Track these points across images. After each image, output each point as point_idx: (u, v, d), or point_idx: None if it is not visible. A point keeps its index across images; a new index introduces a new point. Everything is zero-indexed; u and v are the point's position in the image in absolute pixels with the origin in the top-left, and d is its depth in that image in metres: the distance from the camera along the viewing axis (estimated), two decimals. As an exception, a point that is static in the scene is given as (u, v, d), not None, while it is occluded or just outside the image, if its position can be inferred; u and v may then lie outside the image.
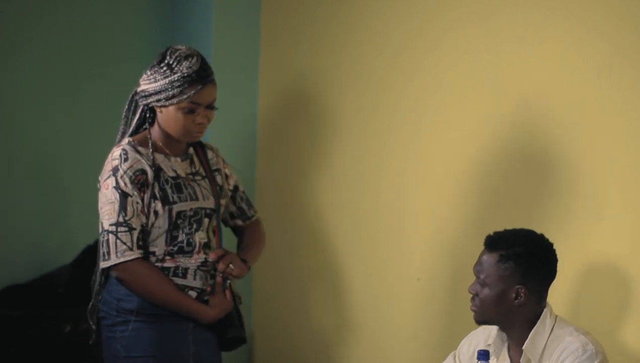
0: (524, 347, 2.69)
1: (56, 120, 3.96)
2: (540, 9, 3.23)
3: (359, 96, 3.82)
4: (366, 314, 3.83)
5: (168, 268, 3.09)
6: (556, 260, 2.74)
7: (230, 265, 3.16)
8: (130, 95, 3.16)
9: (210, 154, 3.27)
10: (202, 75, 3.06)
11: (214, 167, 3.27)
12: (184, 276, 3.11)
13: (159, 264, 3.08)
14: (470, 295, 2.75)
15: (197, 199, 3.14)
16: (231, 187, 3.31)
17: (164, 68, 3.05)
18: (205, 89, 3.07)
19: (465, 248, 3.44)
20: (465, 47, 3.45)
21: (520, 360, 2.71)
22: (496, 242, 2.71)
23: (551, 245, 2.74)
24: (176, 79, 3.03)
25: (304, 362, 4.06)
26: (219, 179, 3.26)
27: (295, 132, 4.08)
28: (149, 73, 3.08)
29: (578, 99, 3.15)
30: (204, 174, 3.22)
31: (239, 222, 3.36)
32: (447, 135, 3.53)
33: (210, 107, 3.11)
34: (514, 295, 2.68)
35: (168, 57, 3.06)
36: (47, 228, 3.94)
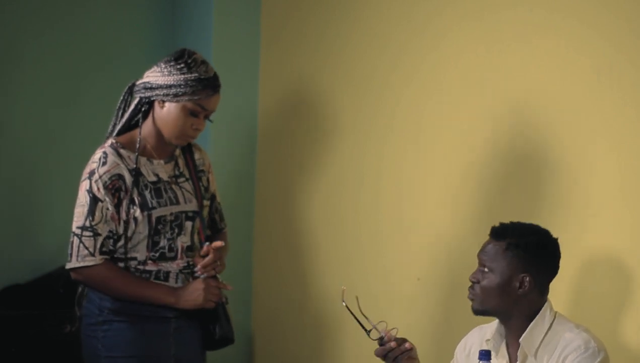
0: (520, 340, 2.69)
1: (56, 119, 3.95)
2: (540, 9, 3.24)
3: (359, 96, 3.82)
4: (366, 314, 3.83)
5: (150, 272, 3.09)
6: (560, 256, 2.75)
7: (218, 262, 3.13)
8: (127, 87, 3.14)
9: (197, 155, 3.25)
10: (216, 83, 3.09)
11: (200, 168, 3.24)
12: (166, 279, 3.10)
13: (140, 267, 3.08)
14: (470, 284, 2.74)
15: (177, 203, 3.13)
16: (209, 195, 3.28)
17: (182, 65, 3.05)
18: (215, 96, 3.09)
19: (465, 248, 3.44)
20: (465, 47, 3.45)
21: (517, 353, 2.71)
22: (504, 231, 2.72)
23: (557, 240, 2.75)
24: (193, 78, 3.03)
25: (304, 361, 4.06)
26: (203, 179, 3.24)
27: (296, 132, 4.08)
28: (162, 66, 3.06)
29: (578, 98, 3.15)
30: (187, 175, 3.20)
31: (208, 232, 3.30)
32: (447, 135, 3.53)
33: (208, 116, 3.12)
34: (518, 284, 2.68)
35: (186, 56, 3.06)
36: (47, 228, 3.93)
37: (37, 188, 3.93)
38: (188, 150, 3.23)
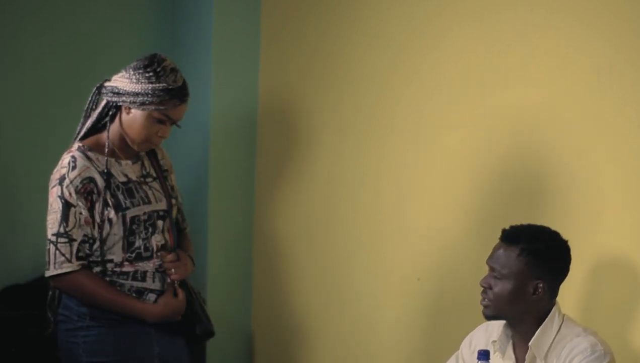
0: (530, 343, 2.69)
1: (56, 119, 3.95)
2: (540, 9, 3.24)
3: (359, 96, 3.82)
4: (366, 314, 3.83)
5: (127, 273, 3.09)
6: (571, 258, 2.74)
7: (173, 270, 3.14)
8: (95, 88, 3.14)
9: (160, 155, 3.26)
10: (183, 93, 3.08)
11: (164, 168, 3.26)
12: (143, 279, 3.11)
13: (117, 269, 3.08)
14: (482, 289, 2.72)
15: (149, 202, 3.14)
16: (175, 195, 3.29)
17: (150, 73, 3.03)
18: (182, 106, 3.08)
19: (465, 249, 3.44)
20: (465, 47, 3.45)
21: (526, 356, 2.70)
22: (516, 236, 2.69)
23: (567, 242, 2.74)
24: (160, 88, 3.02)
25: (304, 361, 4.06)
26: (169, 179, 3.25)
27: (296, 132, 4.08)
28: (131, 72, 3.05)
29: (578, 98, 3.15)
30: (155, 175, 3.21)
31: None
32: (446, 135, 3.53)
33: (175, 123, 3.11)
34: (532, 290, 2.67)
35: (156, 64, 3.05)
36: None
37: (37, 188, 3.92)
38: (151, 150, 3.23)
